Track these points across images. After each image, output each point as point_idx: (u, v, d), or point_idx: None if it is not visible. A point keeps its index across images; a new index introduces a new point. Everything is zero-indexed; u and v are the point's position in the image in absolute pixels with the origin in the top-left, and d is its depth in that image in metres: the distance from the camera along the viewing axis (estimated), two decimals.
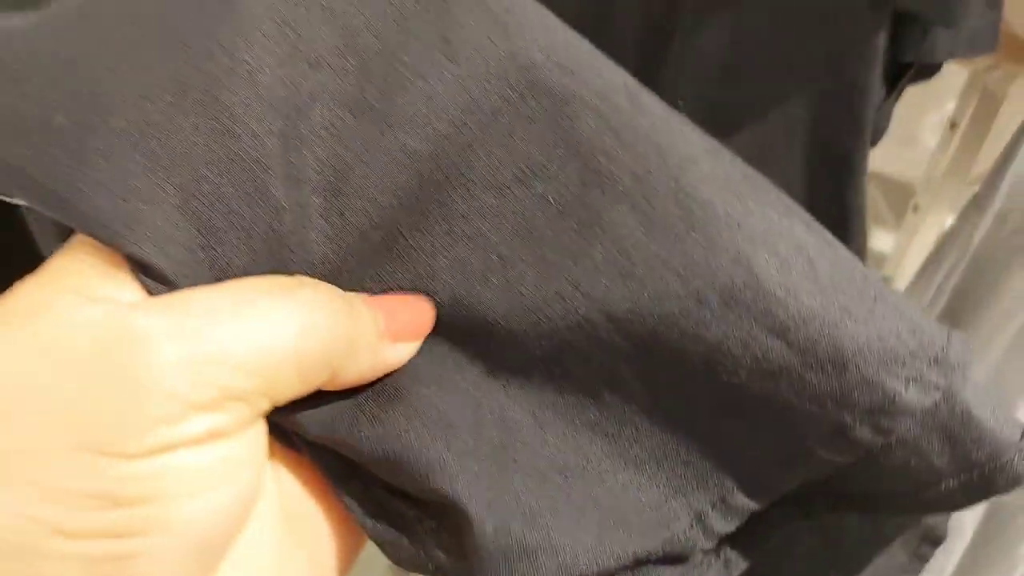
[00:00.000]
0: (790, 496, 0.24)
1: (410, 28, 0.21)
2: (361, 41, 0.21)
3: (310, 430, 0.22)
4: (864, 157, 0.32)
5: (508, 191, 0.22)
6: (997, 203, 0.63)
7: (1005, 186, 0.63)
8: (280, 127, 0.20)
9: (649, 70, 0.34)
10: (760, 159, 0.32)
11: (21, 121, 0.18)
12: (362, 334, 0.21)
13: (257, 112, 0.19)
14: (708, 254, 0.21)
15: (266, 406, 0.19)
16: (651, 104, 0.23)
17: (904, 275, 0.94)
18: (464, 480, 0.22)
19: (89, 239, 0.19)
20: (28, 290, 0.18)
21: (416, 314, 0.22)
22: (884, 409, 0.22)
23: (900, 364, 0.21)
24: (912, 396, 0.22)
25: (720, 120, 0.33)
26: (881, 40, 0.31)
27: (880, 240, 1.27)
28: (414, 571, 0.24)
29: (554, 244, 0.22)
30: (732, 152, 0.24)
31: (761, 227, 0.22)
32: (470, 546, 0.22)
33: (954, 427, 0.22)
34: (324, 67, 0.20)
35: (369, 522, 0.23)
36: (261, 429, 0.20)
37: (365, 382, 0.22)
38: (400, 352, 0.22)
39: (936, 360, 0.22)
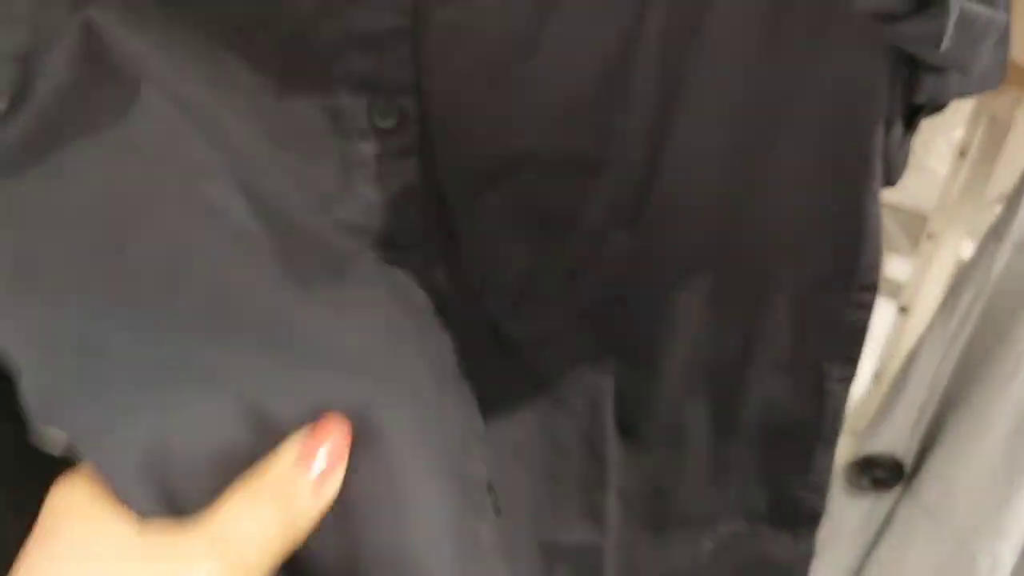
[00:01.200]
0: None
1: None
2: None
3: None
4: (873, 180, 0.34)
5: None
6: (1016, 232, 0.63)
7: (1023, 214, 0.63)
8: None
9: (668, 109, 0.35)
10: (781, 185, 0.34)
11: None
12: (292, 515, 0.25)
13: None
14: None
15: None
16: None
17: (922, 302, 0.94)
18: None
19: None
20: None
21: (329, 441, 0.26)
22: None
23: None
24: None
25: (743, 152, 0.35)
26: (885, 87, 0.33)
27: (896, 268, 1.27)
28: None
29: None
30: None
31: None
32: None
33: None
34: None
35: None
36: None
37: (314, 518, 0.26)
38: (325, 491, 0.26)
39: None
